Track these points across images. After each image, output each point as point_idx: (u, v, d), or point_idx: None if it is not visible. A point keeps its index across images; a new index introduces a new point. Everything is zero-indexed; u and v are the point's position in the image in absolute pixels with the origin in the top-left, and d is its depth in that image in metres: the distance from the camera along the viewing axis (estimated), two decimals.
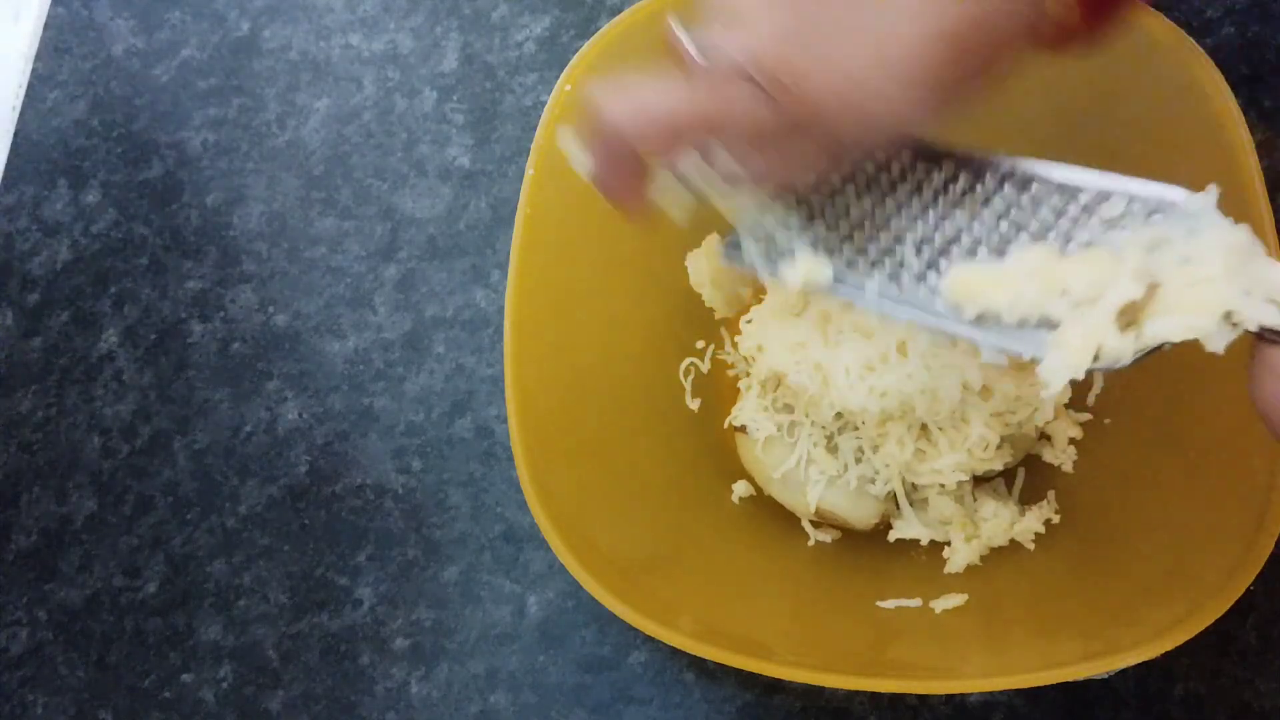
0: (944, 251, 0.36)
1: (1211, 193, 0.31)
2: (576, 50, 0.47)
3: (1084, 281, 0.31)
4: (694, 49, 0.34)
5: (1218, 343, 0.29)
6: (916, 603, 0.43)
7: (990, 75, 0.33)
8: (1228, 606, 0.36)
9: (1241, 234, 0.30)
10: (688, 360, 0.50)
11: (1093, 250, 0.32)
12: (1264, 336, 0.29)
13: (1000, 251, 0.34)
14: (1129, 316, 0.30)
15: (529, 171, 0.46)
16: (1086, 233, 0.33)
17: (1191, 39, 0.42)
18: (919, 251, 0.36)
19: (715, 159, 0.34)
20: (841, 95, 0.32)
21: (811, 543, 0.47)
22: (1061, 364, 0.31)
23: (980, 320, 0.33)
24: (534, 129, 0.47)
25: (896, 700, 0.46)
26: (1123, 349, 0.30)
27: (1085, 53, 0.35)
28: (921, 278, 0.36)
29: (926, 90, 0.32)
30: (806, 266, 0.37)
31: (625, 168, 0.35)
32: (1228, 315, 0.28)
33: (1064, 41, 0.35)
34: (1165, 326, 0.29)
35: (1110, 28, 0.36)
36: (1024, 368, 0.44)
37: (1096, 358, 0.30)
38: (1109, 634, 0.38)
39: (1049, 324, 0.32)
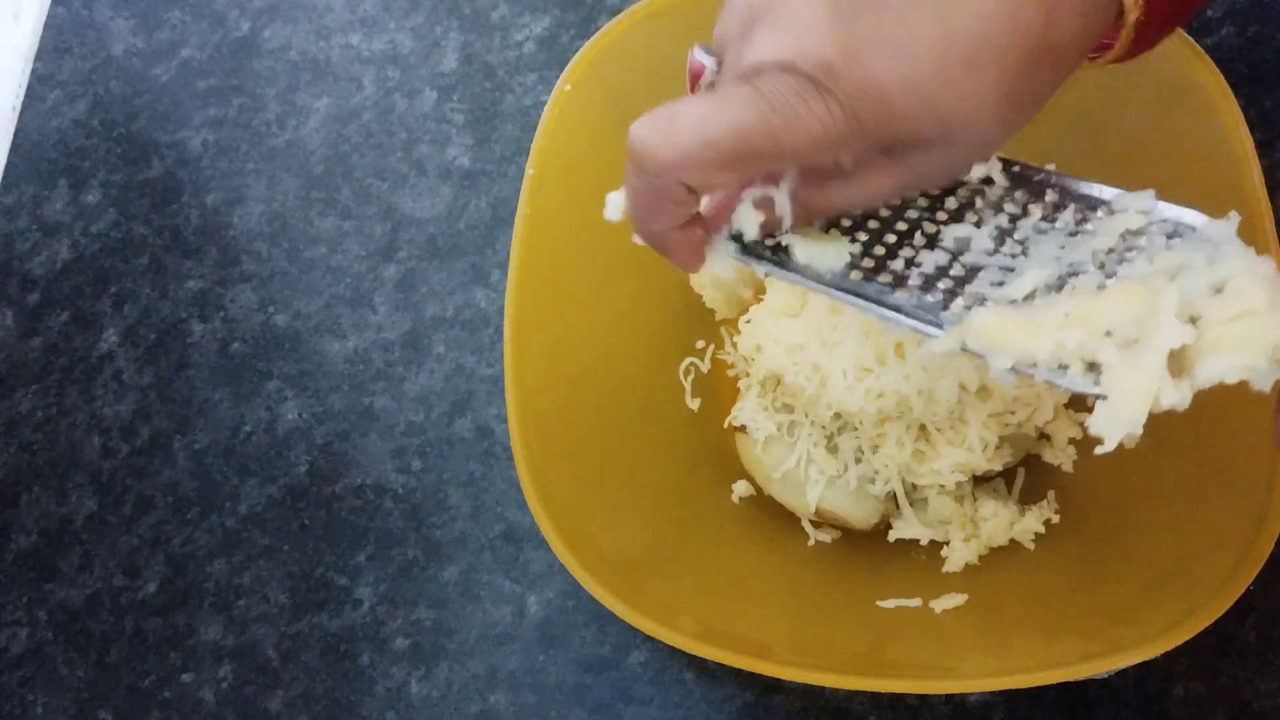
0: (956, 274, 0.33)
1: (1233, 220, 0.30)
2: (576, 50, 0.47)
3: (1125, 319, 0.29)
4: (719, 67, 0.31)
5: (1266, 381, 0.27)
6: (916, 603, 0.43)
7: (1056, 82, 0.29)
8: (1228, 606, 0.36)
9: (1268, 265, 0.28)
10: (688, 360, 0.50)
11: (1122, 283, 0.30)
12: None
13: (1012, 270, 0.32)
14: (1178, 359, 0.28)
15: (529, 171, 0.46)
16: (1101, 244, 0.32)
17: (1191, 39, 0.42)
18: (934, 270, 0.33)
19: (777, 203, 0.32)
20: (907, 79, 0.28)
21: (811, 543, 0.47)
22: (1117, 419, 0.28)
23: (1016, 368, 0.31)
24: (534, 129, 0.47)
25: (896, 700, 0.46)
26: (1180, 396, 0.28)
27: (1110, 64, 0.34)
28: (934, 296, 0.33)
29: (997, 84, 0.28)
30: (819, 251, 0.33)
31: (676, 210, 0.31)
32: (1274, 350, 0.27)
33: (1117, 54, 0.32)
34: (1218, 368, 0.27)
35: (1148, 48, 0.33)
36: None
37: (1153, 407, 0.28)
38: (1109, 634, 0.38)
39: (1095, 367, 0.29)
